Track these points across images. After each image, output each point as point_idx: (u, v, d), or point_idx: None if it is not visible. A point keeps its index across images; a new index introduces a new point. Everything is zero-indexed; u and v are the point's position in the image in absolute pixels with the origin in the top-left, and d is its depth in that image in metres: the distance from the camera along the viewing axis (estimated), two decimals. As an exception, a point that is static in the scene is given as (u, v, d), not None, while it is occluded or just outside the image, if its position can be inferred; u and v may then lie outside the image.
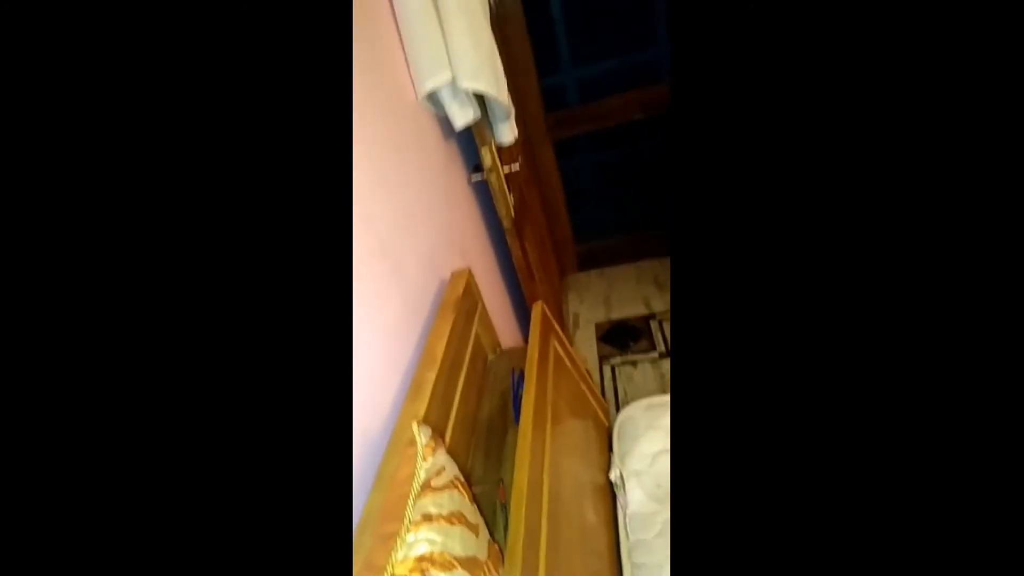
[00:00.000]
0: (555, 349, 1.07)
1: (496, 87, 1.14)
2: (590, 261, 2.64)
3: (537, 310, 1.04)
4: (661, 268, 2.48)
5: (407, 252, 0.97)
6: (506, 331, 1.59)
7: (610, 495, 1.11)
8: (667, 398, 1.27)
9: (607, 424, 1.29)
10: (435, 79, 1.08)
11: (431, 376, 0.82)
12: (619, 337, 2.18)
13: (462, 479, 0.68)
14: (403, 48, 1.08)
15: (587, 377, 1.24)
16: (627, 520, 1.04)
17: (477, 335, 1.08)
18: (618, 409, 1.83)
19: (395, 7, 1.04)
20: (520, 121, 1.47)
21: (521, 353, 1.11)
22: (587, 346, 2.19)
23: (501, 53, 1.22)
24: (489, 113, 1.30)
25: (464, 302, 1.02)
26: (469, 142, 1.42)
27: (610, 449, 1.20)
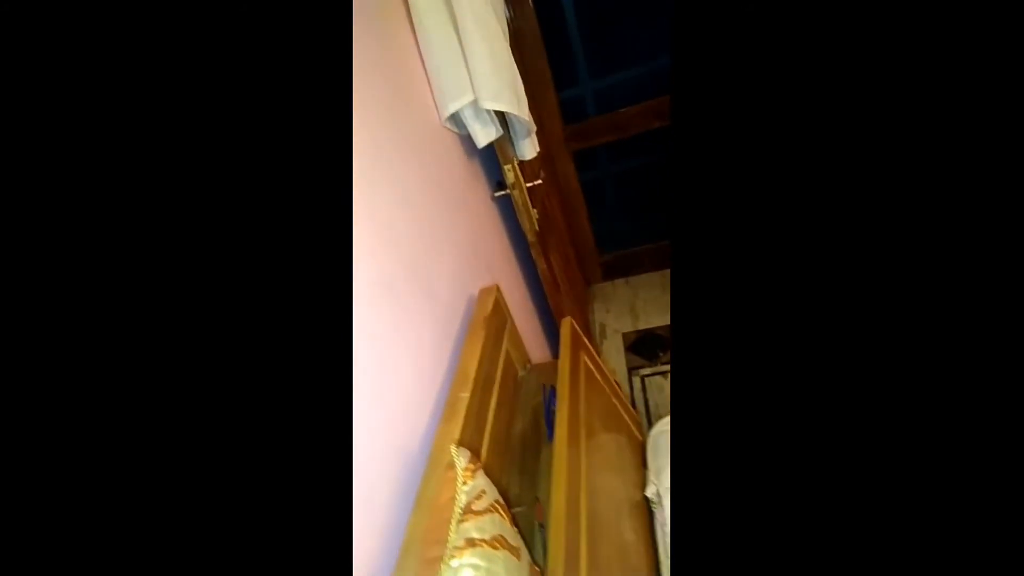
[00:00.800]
0: (585, 364, 1.06)
1: (517, 105, 1.15)
2: (614, 270, 2.62)
3: (567, 326, 1.04)
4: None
5: (436, 273, 0.99)
6: (534, 344, 1.59)
7: (647, 512, 1.09)
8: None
9: (641, 439, 1.27)
10: (458, 101, 1.09)
11: (465, 396, 0.83)
12: (647, 347, 2.15)
13: (502, 502, 0.68)
14: (426, 73, 1.11)
15: (618, 391, 1.23)
16: (665, 537, 1.02)
17: (507, 352, 1.08)
18: (649, 421, 1.81)
19: (417, 33, 1.07)
20: (540, 134, 1.48)
21: (551, 368, 1.11)
22: (615, 356, 2.17)
23: (520, 70, 1.23)
24: (510, 130, 1.32)
25: (494, 319, 1.03)
26: (490, 158, 1.43)
27: (644, 465, 1.18)
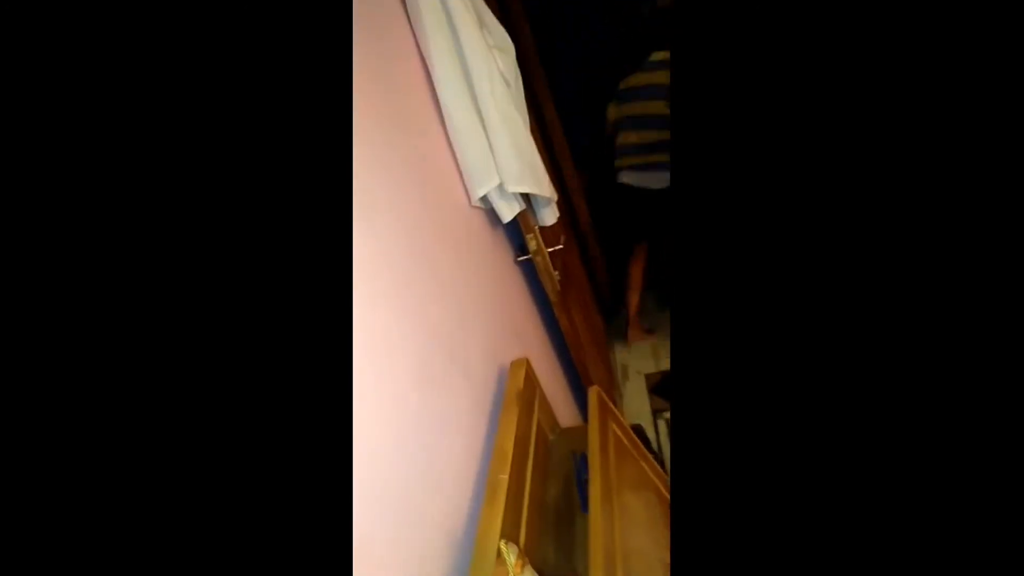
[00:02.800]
0: (614, 432, 1.11)
1: (538, 186, 1.23)
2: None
3: (593, 396, 1.09)
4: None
5: (470, 350, 1.05)
6: (561, 401, 1.63)
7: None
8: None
9: (668, 497, 1.30)
10: (486, 186, 1.18)
11: (504, 477, 0.88)
12: (670, 389, 2.18)
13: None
14: (455, 159, 1.20)
15: (645, 452, 1.27)
16: (699, 602, 1.05)
17: (539, 421, 1.13)
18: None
19: (446, 125, 1.16)
20: (559, 187, 1.56)
21: (580, 433, 1.16)
22: (638, 399, 2.20)
23: (539, 137, 1.32)
24: (532, 202, 1.39)
25: (525, 392, 1.09)
26: (513, 223, 1.51)
27: (674, 523, 1.22)
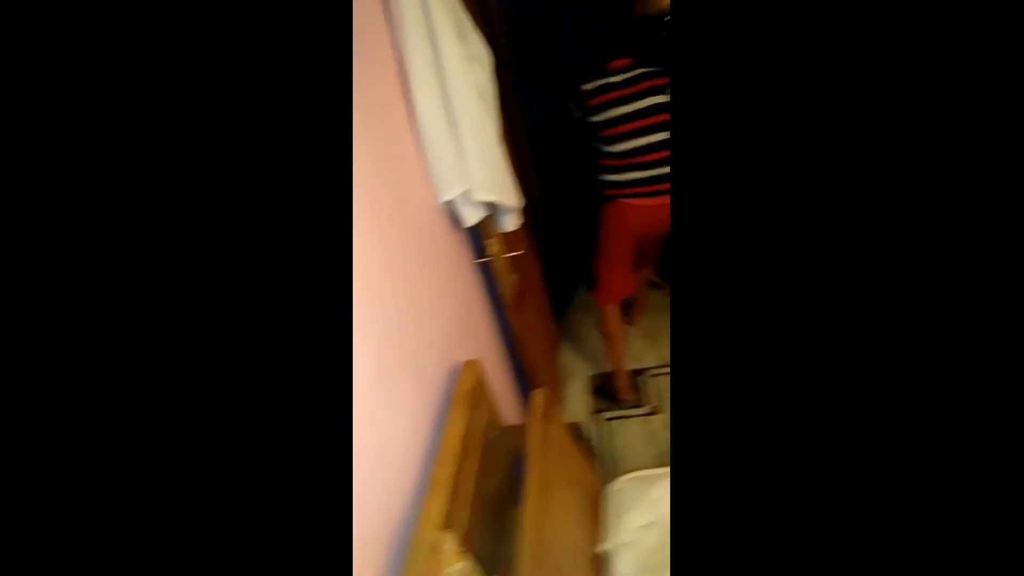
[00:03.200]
0: (553, 433, 1.19)
1: (504, 195, 1.28)
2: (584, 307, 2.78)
3: (537, 399, 1.17)
4: (651, 322, 2.62)
5: (426, 351, 1.10)
6: (508, 397, 1.71)
7: (604, 565, 1.23)
8: (655, 471, 1.40)
9: (600, 497, 1.41)
10: (453, 190, 1.22)
11: (448, 472, 0.94)
12: (611, 391, 2.30)
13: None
14: (424, 159, 1.23)
15: (582, 452, 1.36)
16: (617, 591, 1.16)
17: (485, 420, 1.20)
18: (608, 467, 1.95)
19: (419, 127, 1.19)
20: (524, 195, 1.62)
21: (523, 431, 1.23)
22: (580, 399, 2.31)
23: (509, 146, 1.37)
24: (496, 208, 1.45)
25: (474, 393, 1.15)
26: (475, 226, 1.56)
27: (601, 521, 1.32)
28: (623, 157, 1.84)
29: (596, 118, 1.85)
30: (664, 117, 1.73)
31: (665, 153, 1.77)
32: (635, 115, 1.76)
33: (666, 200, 1.82)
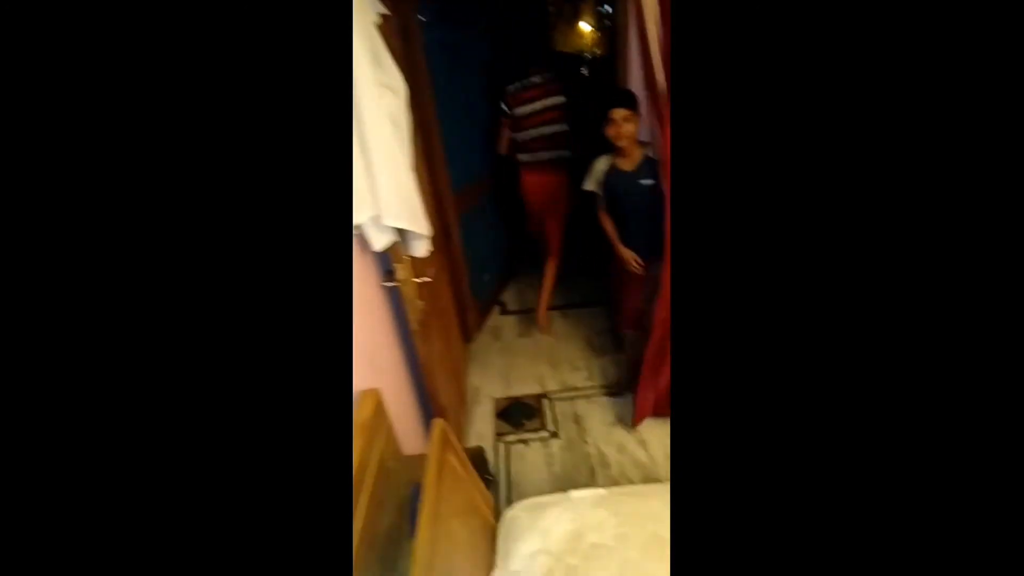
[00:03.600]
0: (450, 463, 1.20)
1: (414, 222, 1.29)
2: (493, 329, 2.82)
3: (436, 429, 1.17)
4: (554, 347, 2.72)
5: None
6: (410, 425, 1.68)
7: (492, 596, 1.24)
8: (548, 498, 1.44)
9: (493, 522, 1.43)
10: (360, 215, 1.20)
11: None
12: (514, 414, 2.35)
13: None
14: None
15: (478, 482, 1.38)
16: (505, 620, 1.18)
17: (382, 451, 1.18)
18: (509, 489, 1.98)
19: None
20: (436, 202, 1.63)
21: (421, 461, 1.22)
22: (484, 422, 2.33)
23: (424, 173, 1.38)
24: (406, 234, 1.44)
25: (371, 423, 1.13)
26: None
27: (495, 549, 1.34)
28: (527, 143, 2.48)
29: (516, 112, 2.43)
30: (559, 114, 2.41)
31: (554, 142, 2.47)
32: (541, 111, 2.40)
33: (551, 177, 2.52)
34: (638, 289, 1.98)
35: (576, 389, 2.44)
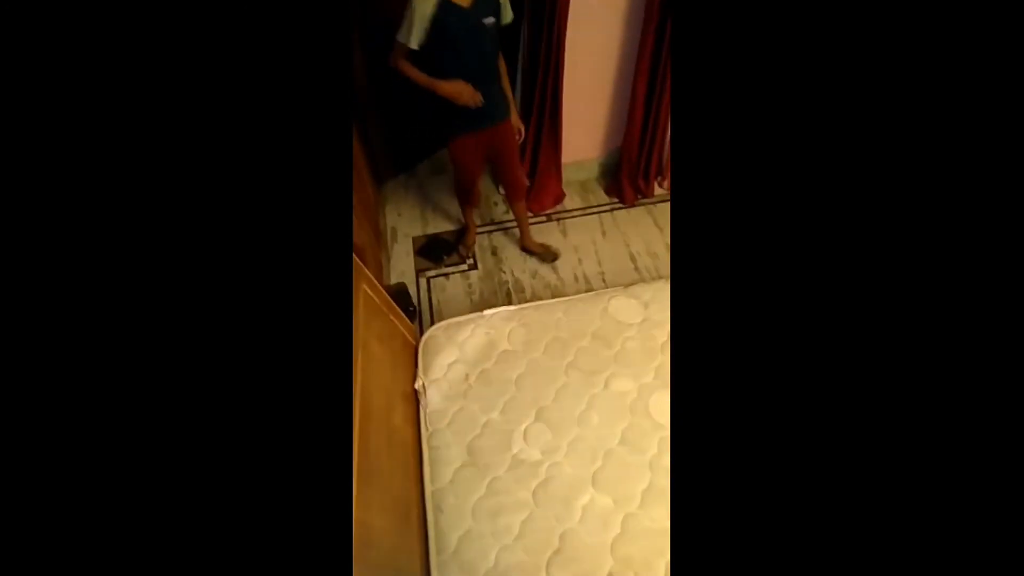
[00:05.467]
0: (365, 292, 1.27)
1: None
2: (406, 163, 2.74)
3: (353, 266, 1.20)
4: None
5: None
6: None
7: (415, 400, 1.43)
8: (463, 317, 1.59)
9: (414, 343, 1.57)
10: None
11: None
12: (434, 251, 2.42)
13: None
14: None
15: (395, 308, 1.47)
16: (427, 416, 1.38)
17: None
18: (432, 318, 2.14)
19: None
20: None
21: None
22: (404, 260, 2.39)
23: None
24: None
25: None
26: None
27: (416, 364, 1.50)
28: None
29: None
30: None
31: None
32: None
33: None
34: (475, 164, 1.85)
35: (495, 223, 2.52)
